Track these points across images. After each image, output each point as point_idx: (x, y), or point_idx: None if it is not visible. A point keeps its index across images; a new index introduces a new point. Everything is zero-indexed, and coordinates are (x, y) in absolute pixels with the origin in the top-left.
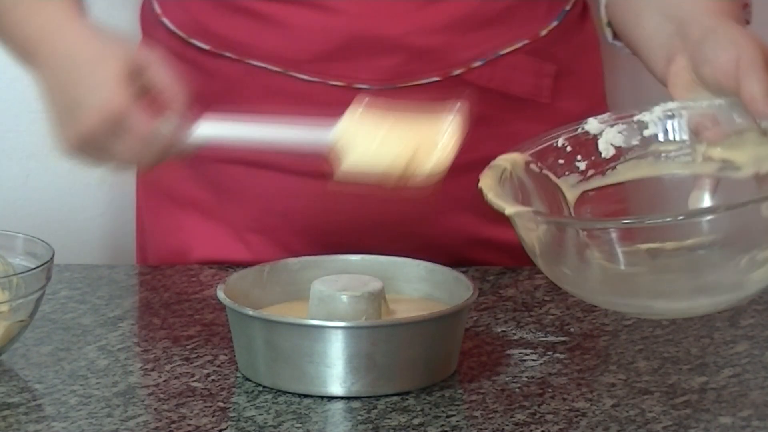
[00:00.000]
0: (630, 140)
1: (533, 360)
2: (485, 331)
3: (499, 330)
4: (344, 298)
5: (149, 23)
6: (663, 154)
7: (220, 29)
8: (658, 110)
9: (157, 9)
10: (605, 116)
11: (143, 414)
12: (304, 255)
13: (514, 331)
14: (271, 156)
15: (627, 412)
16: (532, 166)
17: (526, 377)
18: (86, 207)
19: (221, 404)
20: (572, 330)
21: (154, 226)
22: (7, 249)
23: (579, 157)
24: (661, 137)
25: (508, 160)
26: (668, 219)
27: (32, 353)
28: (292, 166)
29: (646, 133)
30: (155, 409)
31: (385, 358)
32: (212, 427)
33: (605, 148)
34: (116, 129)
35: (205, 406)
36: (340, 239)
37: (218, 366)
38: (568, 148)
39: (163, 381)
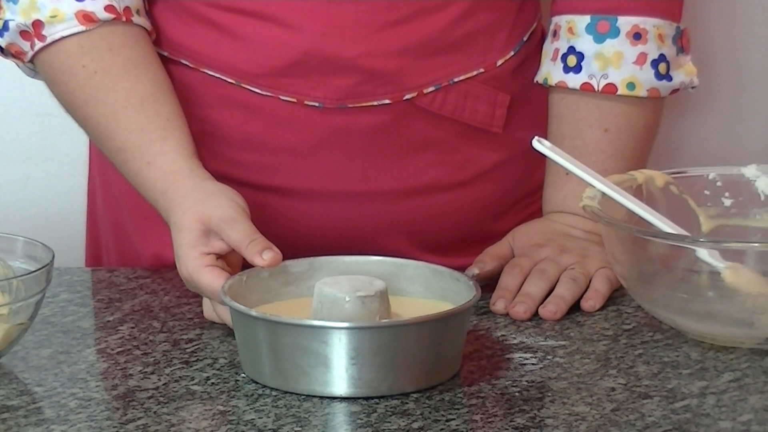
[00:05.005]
0: None
1: (533, 364)
2: (485, 335)
3: (499, 334)
4: (347, 299)
5: None
6: None
7: (178, 37)
8: None
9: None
10: (763, 165)
11: (143, 417)
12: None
13: (513, 335)
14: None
15: (627, 416)
16: (672, 187)
17: (526, 381)
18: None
19: (221, 407)
20: (572, 334)
21: (140, 233)
22: (7, 252)
23: (727, 194)
24: None
25: (644, 174)
26: None
27: (32, 356)
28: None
29: None
30: (155, 412)
31: (389, 359)
32: (212, 431)
33: (760, 190)
34: (191, 286)
35: (205, 410)
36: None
37: (218, 369)
38: (718, 183)
39: (163, 384)
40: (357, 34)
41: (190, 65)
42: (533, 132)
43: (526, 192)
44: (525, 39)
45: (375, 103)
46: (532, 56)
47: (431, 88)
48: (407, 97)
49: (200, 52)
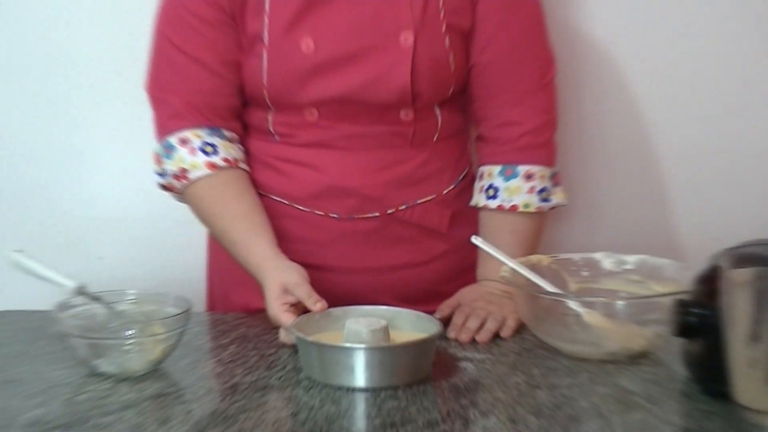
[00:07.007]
0: (617, 267)
1: (471, 369)
2: (444, 352)
3: (452, 351)
4: (364, 330)
5: None
6: (633, 281)
7: (256, 177)
8: (637, 256)
9: None
10: (607, 252)
11: (243, 399)
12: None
13: (460, 352)
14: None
15: (526, 399)
16: (553, 265)
17: (467, 379)
18: None
19: (288, 393)
20: (494, 351)
21: (232, 292)
22: (163, 302)
23: (586, 269)
24: (634, 272)
25: (539, 257)
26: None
27: (178, 364)
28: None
29: (626, 266)
30: (250, 397)
31: (388, 367)
32: (282, 407)
33: (604, 267)
34: (274, 322)
35: (279, 395)
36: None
37: (287, 372)
38: (580, 262)
39: (254, 380)
40: (359, 174)
41: (262, 193)
42: (466, 232)
43: (463, 268)
44: (461, 178)
45: (369, 215)
46: (466, 188)
47: (403, 207)
48: (389, 211)
49: (267, 186)
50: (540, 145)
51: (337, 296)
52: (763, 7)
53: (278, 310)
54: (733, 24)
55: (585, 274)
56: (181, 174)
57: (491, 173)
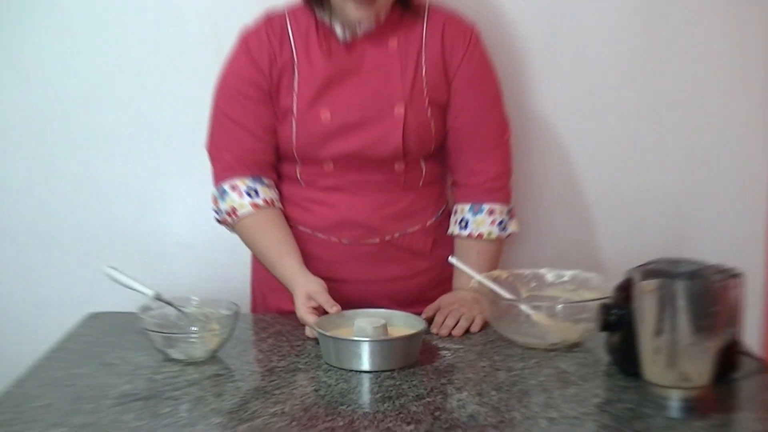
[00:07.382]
0: (557, 279)
1: (449, 356)
2: (428, 343)
3: (434, 343)
4: (368, 327)
5: None
6: (569, 290)
7: (289, 213)
8: (572, 271)
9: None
10: (550, 268)
11: (278, 379)
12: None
13: (440, 344)
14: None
15: (490, 379)
16: (510, 278)
17: (446, 363)
18: None
19: (312, 375)
20: (465, 342)
21: (269, 299)
22: (218, 306)
23: (534, 281)
24: (569, 283)
25: (497, 272)
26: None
27: (229, 352)
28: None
29: (564, 279)
30: (282, 377)
31: (386, 354)
32: (307, 385)
33: (547, 279)
34: (301, 320)
35: (305, 375)
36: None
37: (311, 358)
38: (529, 275)
39: (286, 364)
40: (363, 211)
41: (292, 225)
42: (444, 253)
43: (442, 280)
44: (440, 213)
45: (371, 241)
46: (444, 221)
47: (397, 234)
48: (386, 238)
49: (295, 219)
50: (499, 188)
51: (348, 301)
52: (676, 66)
53: (304, 312)
54: (645, 92)
55: (533, 284)
56: (232, 212)
57: (463, 209)
